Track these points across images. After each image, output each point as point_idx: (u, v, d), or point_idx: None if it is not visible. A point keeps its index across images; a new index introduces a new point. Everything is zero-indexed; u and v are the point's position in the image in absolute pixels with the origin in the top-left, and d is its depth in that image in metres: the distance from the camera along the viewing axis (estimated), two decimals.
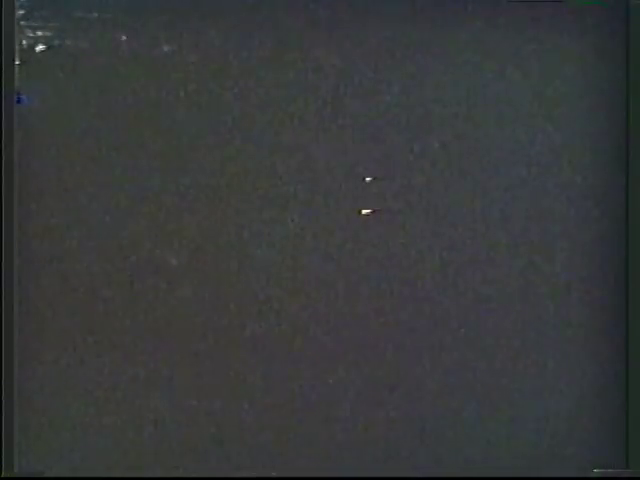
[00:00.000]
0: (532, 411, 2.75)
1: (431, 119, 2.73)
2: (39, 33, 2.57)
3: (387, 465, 2.69)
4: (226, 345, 2.64)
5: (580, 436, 2.76)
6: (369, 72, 2.70)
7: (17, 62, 2.55)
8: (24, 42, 2.57)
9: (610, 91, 2.77)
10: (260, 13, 2.65)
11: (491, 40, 2.74)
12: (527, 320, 2.75)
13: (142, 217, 2.62)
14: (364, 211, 2.69)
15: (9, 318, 2.51)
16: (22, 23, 2.56)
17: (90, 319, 2.59)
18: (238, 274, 2.65)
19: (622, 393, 2.75)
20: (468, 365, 2.73)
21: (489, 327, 2.74)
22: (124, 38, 2.61)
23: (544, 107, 2.76)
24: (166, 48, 2.62)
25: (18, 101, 2.55)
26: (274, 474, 2.63)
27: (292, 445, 2.66)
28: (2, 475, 2.49)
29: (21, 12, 2.56)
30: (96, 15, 2.59)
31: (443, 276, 2.73)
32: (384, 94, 2.70)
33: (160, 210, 2.62)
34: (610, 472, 2.73)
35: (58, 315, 2.58)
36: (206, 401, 2.63)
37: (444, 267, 2.73)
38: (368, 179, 2.69)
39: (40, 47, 2.57)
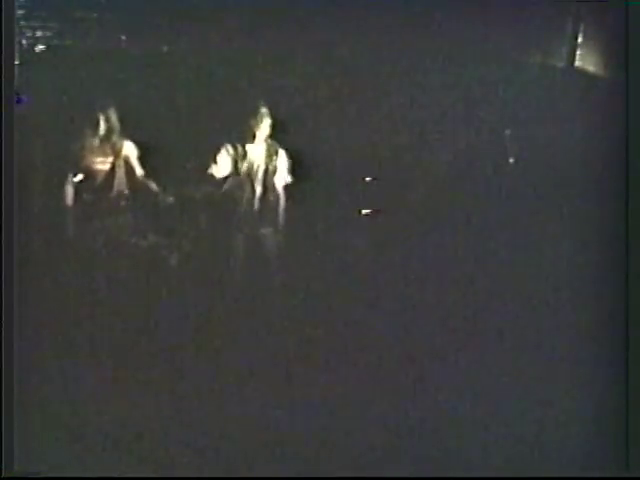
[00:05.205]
0: (533, 412, 2.75)
1: (431, 120, 2.73)
2: (39, 33, 2.57)
3: (387, 465, 2.70)
4: (227, 346, 2.65)
5: (580, 437, 2.76)
6: (369, 74, 2.70)
7: (17, 62, 2.55)
8: (24, 42, 2.57)
9: (610, 91, 2.78)
10: (260, 13, 2.66)
11: (491, 41, 2.74)
12: (527, 321, 2.76)
13: (142, 216, 2.62)
14: (364, 211, 2.70)
15: (9, 319, 2.51)
16: (22, 23, 2.56)
17: (90, 321, 2.59)
18: (238, 274, 2.65)
19: (622, 393, 2.75)
20: (468, 366, 2.73)
21: (490, 327, 2.74)
22: (124, 38, 2.61)
23: (544, 107, 2.76)
24: (166, 48, 2.63)
25: (18, 101, 2.55)
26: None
27: (292, 446, 2.66)
28: (2, 475, 2.49)
29: (21, 12, 2.56)
30: (96, 15, 2.59)
31: (444, 276, 2.73)
32: (384, 95, 2.71)
33: (160, 209, 2.63)
34: (610, 473, 2.73)
35: (58, 316, 2.58)
36: (205, 401, 2.64)
37: (445, 267, 2.73)
38: (368, 179, 2.70)
39: (40, 47, 2.57)
